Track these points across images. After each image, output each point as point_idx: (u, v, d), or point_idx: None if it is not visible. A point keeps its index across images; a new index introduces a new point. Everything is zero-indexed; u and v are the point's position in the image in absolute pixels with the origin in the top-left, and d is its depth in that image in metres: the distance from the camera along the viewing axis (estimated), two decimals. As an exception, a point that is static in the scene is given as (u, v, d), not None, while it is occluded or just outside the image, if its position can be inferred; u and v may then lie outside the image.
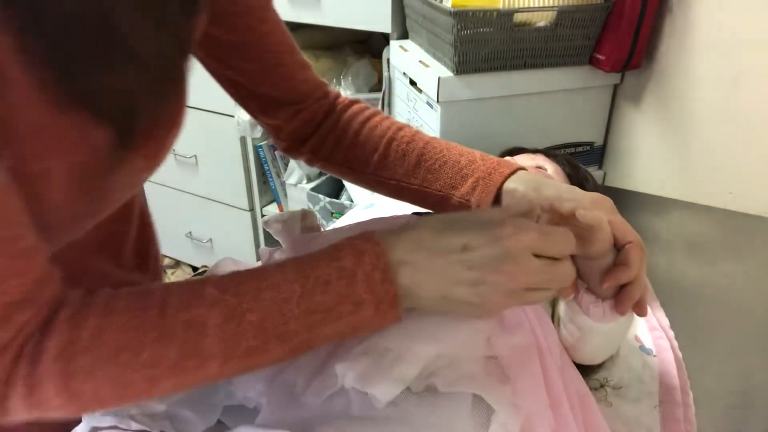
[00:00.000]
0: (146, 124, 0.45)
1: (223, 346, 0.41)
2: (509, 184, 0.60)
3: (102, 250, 0.61)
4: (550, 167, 0.85)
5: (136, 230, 0.66)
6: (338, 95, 0.72)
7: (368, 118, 0.69)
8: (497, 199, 0.61)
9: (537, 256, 0.45)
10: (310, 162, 0.73)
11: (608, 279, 0.53)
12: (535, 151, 0.93)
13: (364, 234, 0.46)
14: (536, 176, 0.61)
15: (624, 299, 0.54)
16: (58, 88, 0.39)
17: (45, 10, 0.35)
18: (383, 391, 0.47)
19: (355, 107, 0.71)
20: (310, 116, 0.70)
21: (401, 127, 0.68)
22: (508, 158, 0.88)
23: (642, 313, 0.55)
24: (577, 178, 0.87)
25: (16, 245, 0.38)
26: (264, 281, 0.43)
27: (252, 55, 0.62)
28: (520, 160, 0.87)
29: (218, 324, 0.41)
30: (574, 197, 0.56)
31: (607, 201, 0.56)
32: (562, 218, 0.53)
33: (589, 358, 0.62)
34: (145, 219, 0.69)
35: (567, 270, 0.48)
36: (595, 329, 0.57)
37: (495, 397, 0.48)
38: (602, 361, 0.66)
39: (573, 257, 0.56)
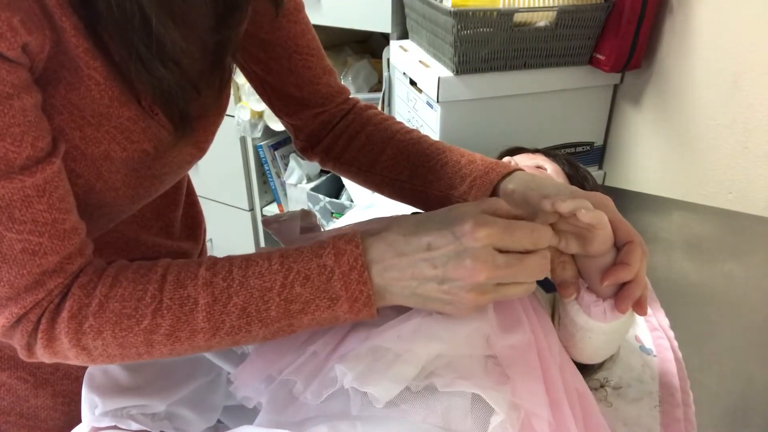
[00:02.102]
0: (194, 114, 0.52)
1: (210, 323, 0.47)
2: (507, 185, 0.61)
3: (155, 224, 0.68)
4: (549, 167, 0.85)
5: (184, 207, 0.74)
6: (357, 101, 0.76)
7: (380, 122, 0.72)
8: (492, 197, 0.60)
9: (503, 251, 0.46)
10: (322, 162, 0.75)
11: (608, 277, 0.53)
12: (534, 151, 0.93)
13: (346, 234, 0.48)
14: (535, 175, 0.61)
15: (624, 297, 0.54)
16: (120, 84, 0.47)
17: (104, 15, 0.43)
18: (382, 391, 0.47)
19: (370, 112, 0.74)
20: (328, 119, 0.73)
21: (409, 131, 0.71)
22: (507, 158, 0.88)
23: (642, 312, 0.55)
24: (577, 177, 0.87)
25: (59, 227, 0.45)
26: (250, 269, 0.48)
27: (282, 54, 0.66)
28: (520, 159, 0.87)
29: (208, 303, 0.46)
30: (574, 196, 0.56)
31: (608, 200, 0.56)
32: (562, 217, 0.53)
33: (590, 357, 0.62)
34: (192, 197, 0.78)
35: (536, 263, 0.48)
36: (596, 328, 0.57)
37: (494, 396, 0.48)
38: (603, 360, 0.65)
39: (573, 256, 0.56)
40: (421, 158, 0.67)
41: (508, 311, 0.56)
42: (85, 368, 0.63)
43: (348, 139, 0.72)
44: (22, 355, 0.48)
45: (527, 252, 0.48)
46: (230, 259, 0.49)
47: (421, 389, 0.49)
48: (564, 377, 0.54)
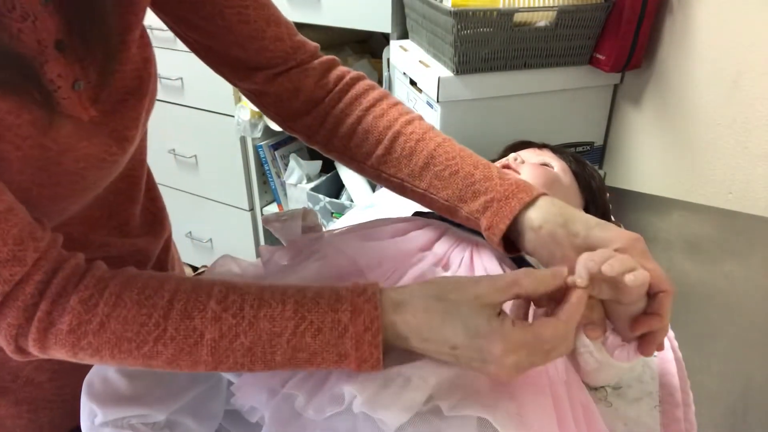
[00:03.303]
0: (85, 94, 0.48)
1: (214, 357, 0.46)
2: (532, 219, 0.56)
3: (107, 223, 0.64)
4: (556, 164, 0.84)
5: (143, 202, 0.69)
6: (332, 63, 0.67)
7: (373, 104, 0.64)
8: (512, 226, 0.57)
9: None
10: (308, 142, 0.68)
11: (640, 327, 0.51)
12: (542, 146, 0.92)
13: (366, 292, 0.47)
14: (561, 205, 0.56)
15: (650, 343, 0.53)
16: None
17: None
18: (393, 418, 0.47)
19: (359, 87, 0.65)
20: (294, 83, 0.64)
21: (410, 120, 0.63)
22: (513, 154, 0.85)
23: (660, 349, 0.54)
24: (584, 176, 0.86)
25: None
26: (263, 310, 0.46)
27: (213, 11, 0.58)
28: (526, 155, 0.85)
29: (213, 338, 0.46)
30: (606, 236, 0.52)
31: (641, 242, 0.52)
32: (605, 279, 0.49)
33: (601, 383, 0.63)
34: (153, 192, 0.73)
35: (559, 354, 0.47)
36: (614, 366, 0.56)
37: (501, 419, 0.47)
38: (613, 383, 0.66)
39: (603, 300, 0.54)
40: (426, 159, 0.60)
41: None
42: (48, 375, 0.63)
43: (335, 123, 0.64)
44: (14, 356, 0.47)
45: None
46: (242, 295, 0.47)
47: (426, 412, 0.48)
48: (569, 391, 0.53)
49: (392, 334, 0.46)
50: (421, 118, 0.65)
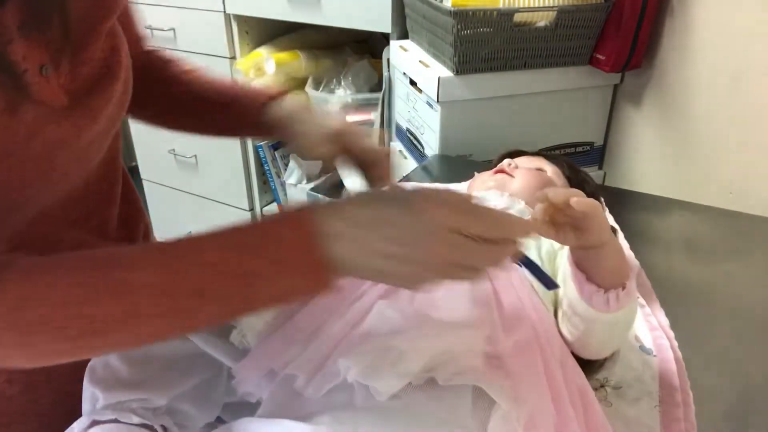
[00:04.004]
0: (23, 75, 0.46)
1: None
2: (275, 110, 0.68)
3: (86, 224, 0.63)
4: (549, 169, 0.86)
5: (120, 206, 0.69)
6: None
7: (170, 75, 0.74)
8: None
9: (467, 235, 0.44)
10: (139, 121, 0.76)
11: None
12: (534, 154, 0.94)
13: (301, 208, 0.46)
14: (304, 108, 0.68)
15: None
16: None
17: None
18: (386, 385, 0.48)
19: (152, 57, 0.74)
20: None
21: (188, 73, 0.74)
22: (508, 160, 0.87)
23: None
24: (577, 180, 0.88)
25: None
26: (203, 254, 0.45)
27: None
28: (521, 161, 0.87)
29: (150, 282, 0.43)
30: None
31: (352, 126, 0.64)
32: (557, 209, 0.53)
33: (596, 351, 0.63)
34: (130, 195, 0.72)
35: (497, 252, 0.47)
36: (598, 319, 0.57)
37: (496, 389, 0.48)
38: (609, 354, 0.66)
39: (571, 248, 0.57)
40: (213, 105, 0.72)
41: (509, 308, 0.57)
42: (19, 388, 0.61)
43: (144, 98, 0.69)
44: None
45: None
46: (171, 244, 0.46)
47: (422, 383, 0.50)
48: (565, 373, 0.54)
49: (331, 240, 0.45)
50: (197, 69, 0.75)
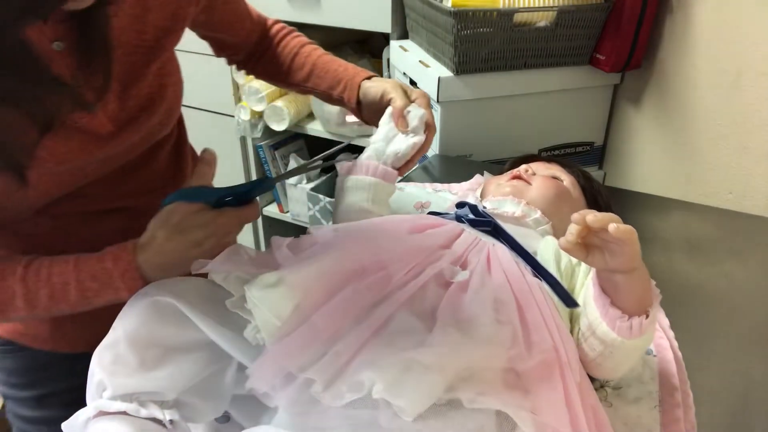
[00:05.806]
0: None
1: (27, 305, 0.63)
2: (365, 84, 0.85)
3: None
4: (566, 179, 0.84)
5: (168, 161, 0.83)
6: (269, 23, 0.94)
7: (283, 38, 0.94)
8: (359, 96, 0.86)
9: None
10: (238, 68, 0.98)
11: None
12: (549, 160, 0.92)
13: (123, 245, 0.64)
14: (387, 82, 0.84)
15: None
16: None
17: None
18: (412, 405, 0.47)
19: (273, 30, 0.94)
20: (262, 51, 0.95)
21: (304, 44, 0.93)
22: (524, 165, 0.86)
23: None
24: (591, 191, 0.87)
25: None
26: (54, 268, 0.63)
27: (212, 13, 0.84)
28: (536, 167, 0.85)
29: (23, 293, 0.62)
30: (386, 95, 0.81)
31: (427, 96, 0.80)
32: (591, 230, 0.52)
33: (609, 373, 0.62)
34: (181, 148, 0.86)
35: (222, 221, 0.63)
36: (618, 344, 0.56)
37: (522, 417, 0.48)
38: (620, 375, 0.65)
39: (598, 271, 0.56)
40: (311, 66, 0.91)
41: (533, 328, 0.56)
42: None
43: (260, 55, 0.94)
44: None
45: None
46: (40, 260, 0.63)
47: (444, 403, 0.49)
48: (581, 393, 0.54)
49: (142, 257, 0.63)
50: (311, 43, 0.95)
